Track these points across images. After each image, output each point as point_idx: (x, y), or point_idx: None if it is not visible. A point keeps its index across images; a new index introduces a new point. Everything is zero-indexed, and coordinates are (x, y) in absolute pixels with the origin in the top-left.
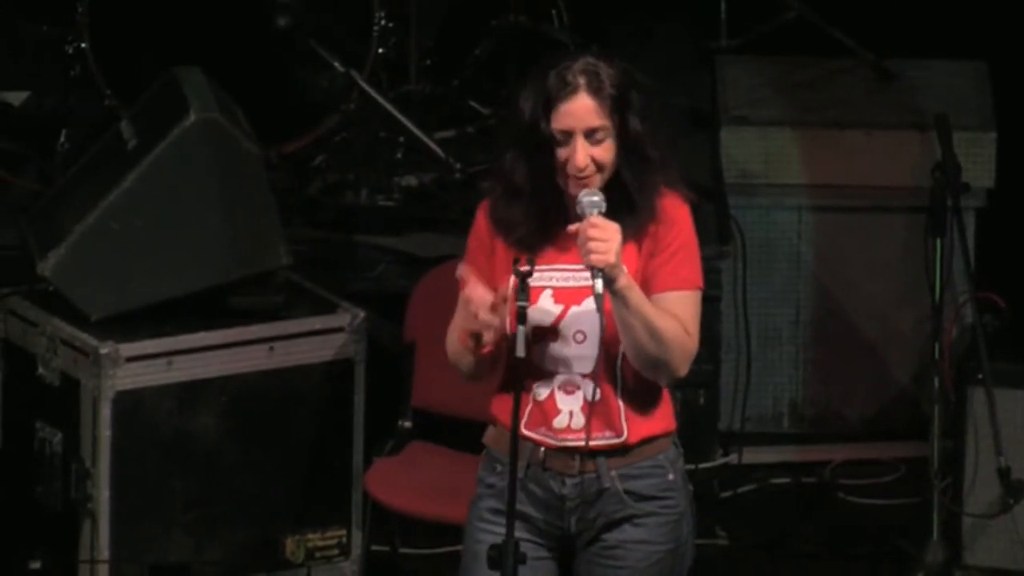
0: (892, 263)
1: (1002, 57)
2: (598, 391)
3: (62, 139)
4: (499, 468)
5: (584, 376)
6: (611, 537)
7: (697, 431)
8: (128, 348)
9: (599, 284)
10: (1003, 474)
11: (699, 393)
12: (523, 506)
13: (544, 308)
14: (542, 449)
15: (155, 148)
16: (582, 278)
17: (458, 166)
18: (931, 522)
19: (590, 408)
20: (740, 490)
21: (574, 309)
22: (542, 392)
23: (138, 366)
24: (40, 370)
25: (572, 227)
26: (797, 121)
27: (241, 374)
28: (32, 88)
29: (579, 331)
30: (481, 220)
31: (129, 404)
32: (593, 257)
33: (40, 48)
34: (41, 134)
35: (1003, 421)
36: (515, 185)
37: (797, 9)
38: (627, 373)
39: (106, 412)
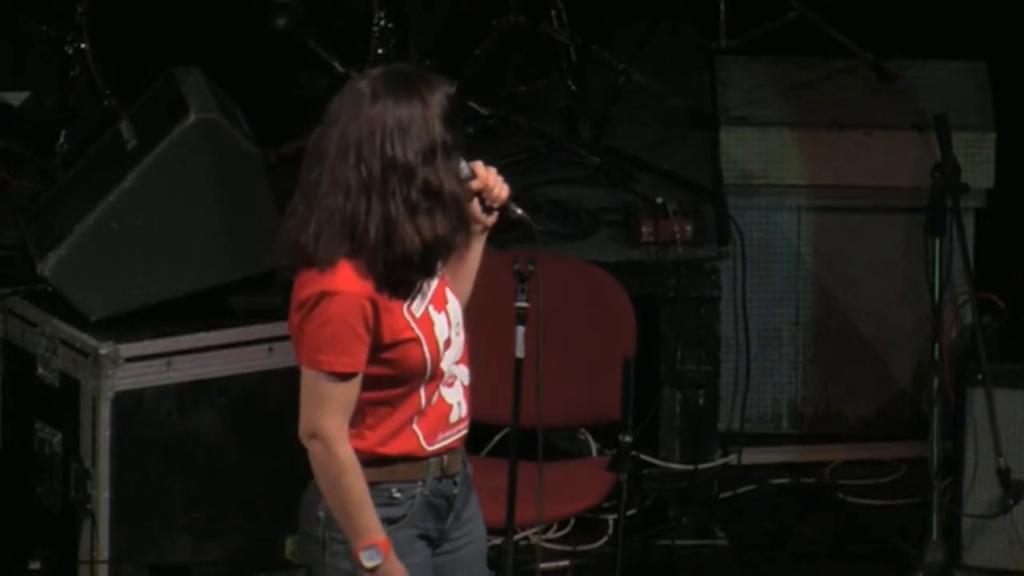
0: (892, 263)
1: (1001, 57)
2: (469, 373)
3: (61, 139)
4: (396, 495)
5: (457, 363)
6: (463, 515)
7: (697, 431)
8: (128, 348)
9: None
10: (1003, 474)
11: (699, 393)
12: (425, 523)
13: (440, 325)
14: (445, 456)
15: (155, 148)
16: (416, 287)
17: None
18: (931, 522)
19: (468, 392)
20: (740, 490)
21: (447, 308)
22: (435, 398)
23: (138, 366)
24: (40, 370)
25: (475, 183)
26: (797, 122)
27: (241, 374)
28: (32, 88)
29: (458, 323)
30: (359, 294)
31: (129, 404)
32: (508, 190)
33: (40, 48)
34: (41, 134)
35: (1003, 421)
36: (436, 198)
37: (797, 10)
38: None
39: (106, 412)
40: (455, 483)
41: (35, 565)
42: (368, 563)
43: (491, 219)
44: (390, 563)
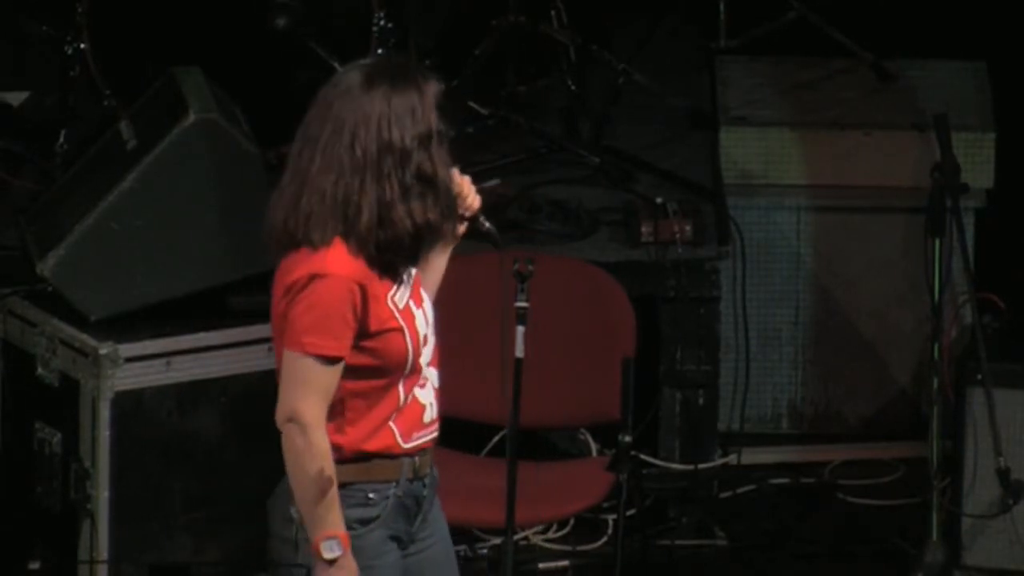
0: (891, 263)
1: (1001, 57)
2: (439, 376)
3: (61, 139)
4: (371, 496)
5: (428, 364)
6: (429, 517)
7: (696, 431)
8: (127, 348)
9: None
10: (1003, 474)
11: (698, 393)
12: (396, 524)
13: (419, 319)
14: (417, 457)
15: (154, 148)
16: (400, 276)
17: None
18: (930, 522)
19: (439, 393)
20: (739, 490)
21: (423, 306)
22: (409, 398)
23: (137, 366)
24: (39, 370)
25: (457, 186)
26: (797, 122)
27: (241, 374)
28: (32, 88)
29: (432, 324)
30: (349, 278)
31: (128, 404)
32: (479, 201)
33: (40, 48)
34: (40, 134)
35: (1002, 421)
36: (430, 184)
37: (797, 10)
38: None
39: (105, 412)
40: (424, 485)
41: (35, 565)
42: (328, 554)
43: (461, 228)
44: (347, 559)
